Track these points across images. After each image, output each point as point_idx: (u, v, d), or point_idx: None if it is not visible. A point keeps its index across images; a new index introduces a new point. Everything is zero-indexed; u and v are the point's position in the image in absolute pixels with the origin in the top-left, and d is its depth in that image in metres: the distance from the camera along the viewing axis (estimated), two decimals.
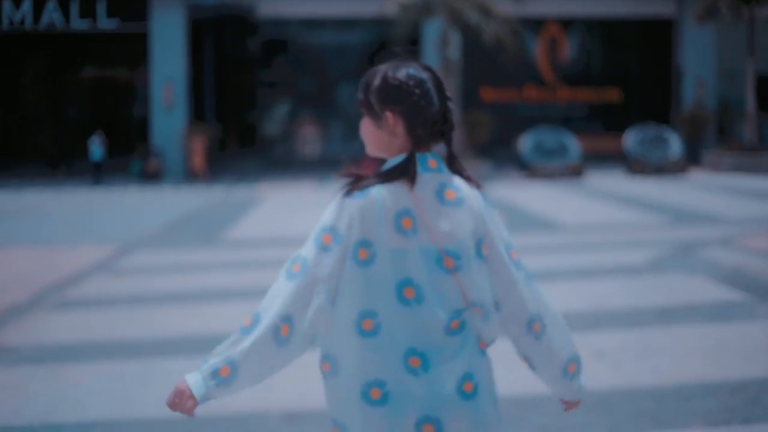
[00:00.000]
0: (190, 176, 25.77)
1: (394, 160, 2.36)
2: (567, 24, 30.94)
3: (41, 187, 24.01)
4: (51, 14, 26.76)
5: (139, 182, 25.38)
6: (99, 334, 7.22)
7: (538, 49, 30.88)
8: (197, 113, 28.65)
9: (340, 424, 2.37)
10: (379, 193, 2.31)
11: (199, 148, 25.59)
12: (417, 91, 2.33)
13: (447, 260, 2.32)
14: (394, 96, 2.34)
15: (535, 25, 30.21)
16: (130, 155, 27.15)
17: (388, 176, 2.33)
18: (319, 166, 27.88)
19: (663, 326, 7.03)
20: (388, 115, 2.34)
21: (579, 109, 31.27)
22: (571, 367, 2.51)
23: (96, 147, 25.30)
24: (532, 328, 2.43)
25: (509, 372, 5.06)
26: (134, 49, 28.81)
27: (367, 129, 2.42)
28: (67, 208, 18.72)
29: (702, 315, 7.38)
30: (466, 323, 2.35)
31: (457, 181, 2.38)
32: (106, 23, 27.00)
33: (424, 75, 2.36)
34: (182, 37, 26.75)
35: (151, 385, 5.68)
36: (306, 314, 2.30)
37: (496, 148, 27.99)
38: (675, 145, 25.09)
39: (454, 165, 2.40)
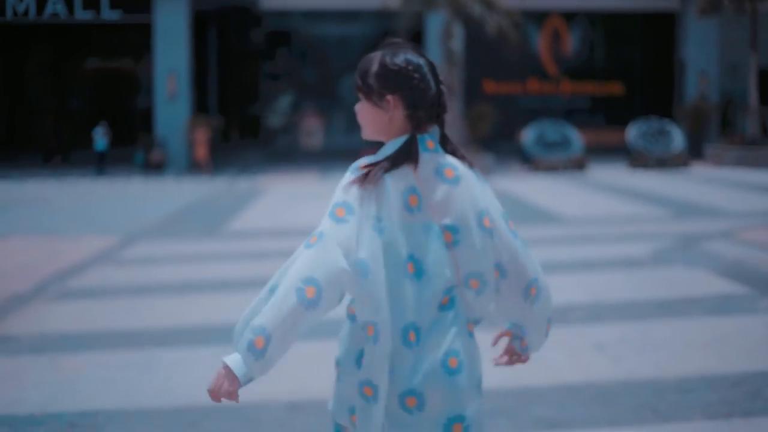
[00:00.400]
0: (193, 167, 25.77)
1: (394, 143, 2.43)
2: (570, 17, 30.88)
3: (44, 177, 24.03)
4: (54, 5, 26.70)
5: (143, 173, 25.39)
6: (101, 324, 7.24)
7: (541, 42, 30.83)
8: (200, 105, 28.65)
9: (370, 383, 2.42)
10: (386, 174, 2.38)
11: (202, 139, 25.58)
12: (416, 75, 2.41)
13: (446, 235, 2.41)
14: (395, 81, 2.41)
15: (538, 17, 30.16)
16: (133, 146, 27.15)
17: (395, 162, 2.39)
18: (322, 158, 27.87)
19: (664, 319, 7.04)
20: (389, 99, 2.41)
21: (582, 102, 31.23)
22: (547, 327, 2.65)
23: (100, 138, 25.34)
24: (529, 293, 2.53)
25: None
26: (138, 41, 28.79)
27: (365, 113, 2.49)
28: (70, 198, 18.74)
29: (703, 308, 7.38)
30: (456, 300, 2.43)
31: (453, 160, 2.46)
32: (109, 14, 26.95)
33: (420, 60, 2.44)
34: (186, 28, 26.72)
35: (152, 375, 5.70)
36: (329, 276, 2.31)
37: (498, 141, 27.97)
38: (677, 138, 25.06)
39: (447, 145, 2.49)
